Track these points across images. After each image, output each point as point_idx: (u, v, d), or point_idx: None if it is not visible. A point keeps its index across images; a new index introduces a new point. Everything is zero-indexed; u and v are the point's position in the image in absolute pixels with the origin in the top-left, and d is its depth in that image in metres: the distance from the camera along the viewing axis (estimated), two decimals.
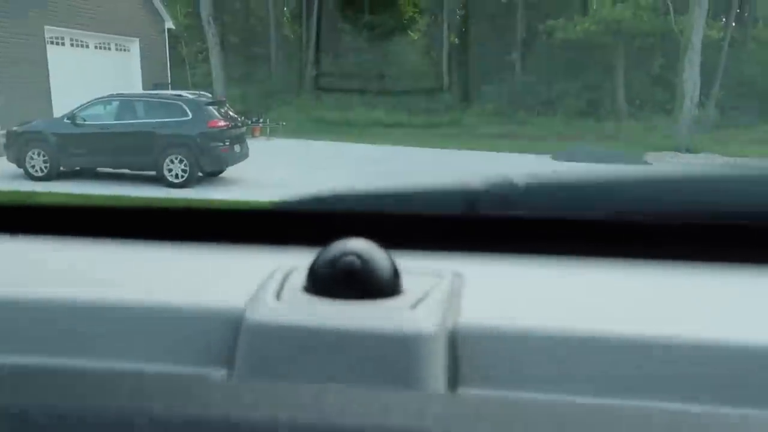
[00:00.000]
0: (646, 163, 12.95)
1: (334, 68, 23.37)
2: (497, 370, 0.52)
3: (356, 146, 14.30)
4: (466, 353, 0.52)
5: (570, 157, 12.46)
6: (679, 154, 14.46)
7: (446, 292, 0.56)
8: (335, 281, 0.55)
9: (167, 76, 18.81)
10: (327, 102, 20.13)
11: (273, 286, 0.57)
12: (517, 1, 23.58)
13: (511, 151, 13.80)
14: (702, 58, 16.06)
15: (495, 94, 20.89)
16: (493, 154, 13.50)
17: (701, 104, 16.97)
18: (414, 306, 0.54)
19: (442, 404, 0.47)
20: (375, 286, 0.55)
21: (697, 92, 16.21)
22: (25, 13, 13.56)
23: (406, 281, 0.57)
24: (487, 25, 27.32)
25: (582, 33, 19.59)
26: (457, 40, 27.72)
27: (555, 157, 12.79)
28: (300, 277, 0.58)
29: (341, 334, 0.51)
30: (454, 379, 0.52)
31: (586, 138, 15.86)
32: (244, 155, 10.40)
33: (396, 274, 0.56)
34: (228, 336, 0.54)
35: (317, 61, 23.88)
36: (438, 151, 13.75)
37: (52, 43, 14.61)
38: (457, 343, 0.52)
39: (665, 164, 13.06)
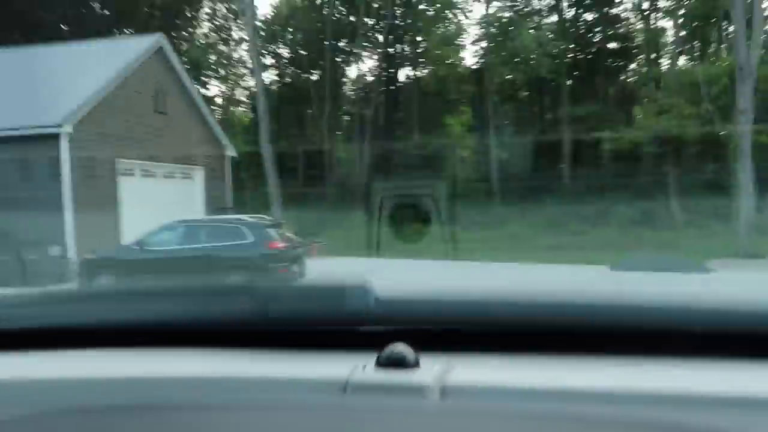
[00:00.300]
0: (709, 270, 12.58)
1: (388, 186, 24.09)
2: None
3: (411, 262, 14.43)
4: None
5: (629, 267, 12.21)
6: (741, 259, 14.03)
7: None
8: None
9: (229, 200, 19.71)
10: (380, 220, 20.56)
11: None
12: (562, 115, 24.24)
13: (567, 262, 13.66)
14: (755, 162, 15.95)
15: (547, 206, 21.03)
16: (549, 266, 13.38)
17: (758, 208, 16.64)
18: None
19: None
20: None
21: (754, 196, 15.95)
22: (102, 148, 14.69)
23: None
24: (534, 139, 28.01)
25: (628, 143, 19.82)
26: (505, 155, 28.41)
27: (614, 268, 12.56)
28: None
29: None
30: None
31: (644, 248, 15.62)
32: (301, 275, 10.63)
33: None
34: None
35: (370, 181, 24.71)
36: (496, 265, 13.74)
37: (123, 174, 15.66)
38: None
39: (729, 272, 12.66)
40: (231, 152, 20.27)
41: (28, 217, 13.27)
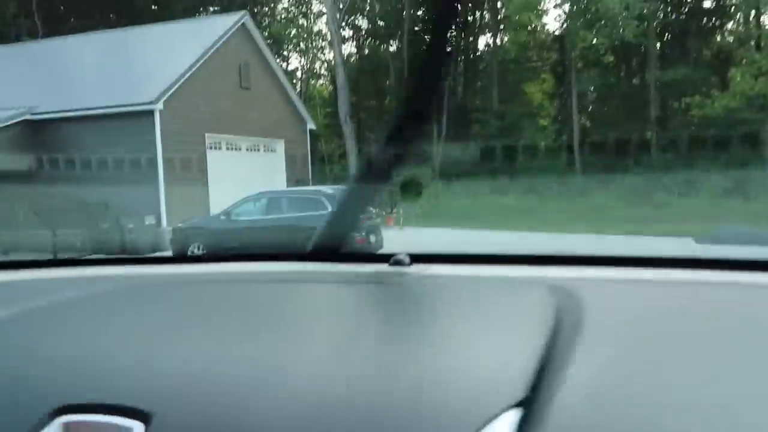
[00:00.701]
0: None
1: (465, 156, 23.97)
2: None
3: (487, 233, 14.41)
4: None
5: (715, 240, 11.71)
6: None
7: None
8: None
9: (308, 172, 20.25)
10: (457, 190, 20.58)
11: None
12: (649, 80, 23.17)
13: (651, 234, 13.25)
14: None
15: (631, 176, 20.31)
16: (631, 237, 13.03)
17: None
18: None
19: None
20: None
21: None
22: (191, 123, 15.44)
23: None
24: (619, 106, 26.95)
25: (721, 109, 18.75)
26: (588, 123, 27.52)
27: (698, 241, 12.08)
28: None
29: None
30: None
31: (733, 219, 14.90)
32: (378, 245, 10.87)
33: None
34: None
35: (448, 150, 24.65)
36: (575, 236, 13.50)
37: (211, 148, 16.40)
38: None
39: None
40: (311, 125, 20.74)
41: (125, 188, 14.24)
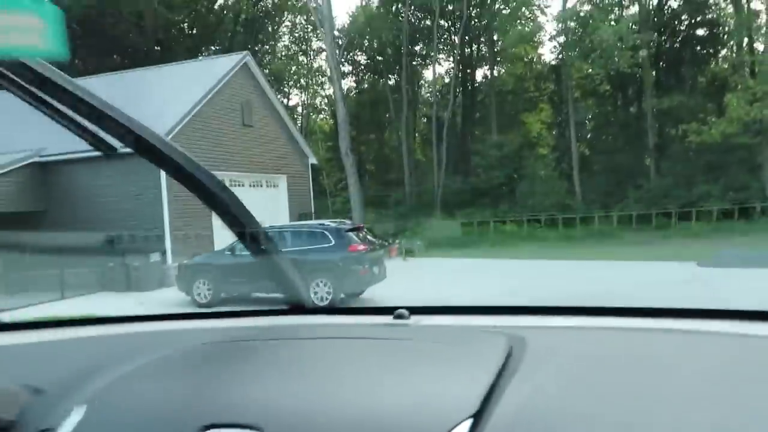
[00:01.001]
0: None
1: (466, 187, 24.17)
2: None
3: (490, 261, 14.50)
4: None
5: (717, 263, 11.76)
6: None
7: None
8: None
9: (311, 205, 20.45)
10: (460, 220, 20.73)
11: None
12: (646, 108, 23.46)
13: (653, 259, 13.31)
14: None
15: (631, 201, 20.47)
16: (633, 263, 13.09)
17: None
18: None
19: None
20: None
21: None
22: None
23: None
24: (617, 134, 27.24)
25: (718, 135, 18.96)
26: (587, 151, 27.77)
27: (701, 264, 12.13)
28: None
29: None
30: None
31: (734, 242, 14.98)
32: (382, 276, 10.96)
33: None
34: None
35: (449, 181, 24.87)
36: (575, 263, 13.56)
37: None
38: None
39: None
40: (312, 159, 21.00)
41: (131, 227, 14.42)
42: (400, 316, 1.41)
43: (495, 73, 30.41)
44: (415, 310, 1.44)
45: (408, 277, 12.58)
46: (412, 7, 28.49)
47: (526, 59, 31.16)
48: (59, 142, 15.29)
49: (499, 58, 30.57)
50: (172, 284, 12.06)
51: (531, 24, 27.94)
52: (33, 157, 15.10)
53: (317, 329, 1.44)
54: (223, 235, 14.67)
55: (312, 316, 1.59)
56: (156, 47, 30.00)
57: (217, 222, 15.85)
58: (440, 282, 11.85)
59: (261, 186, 18.70)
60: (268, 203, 18.27)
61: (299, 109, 35.77)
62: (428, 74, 32.85)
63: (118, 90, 17.28)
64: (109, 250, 13.30)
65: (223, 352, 1.27)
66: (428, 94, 33.29)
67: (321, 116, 36.74)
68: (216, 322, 1.63)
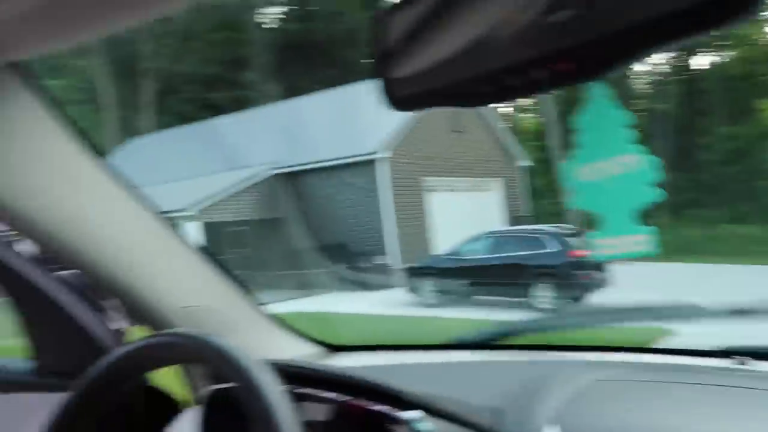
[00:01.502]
0: None
1: (691, 185, 22.28)
2: None
3: (724, 267, 13.28)
4: None
5: None
6: None
7: None
8: None
9: (525, 208, 20.35)
10: (689, 221, 19.20)
11: None
12: None
13: None
14: None
15: None
16: None
17: None
18: None
19: None
20: None
21: None
22: (410, 169, 16.57)
23: None
24: None
25: None
26: None
27: None
28: None
29: None
30: None
31: None
32: (605, 281, 10.61)
33: None
34: None
35: (670, 179, 23.12)
36: None
37: (429, 190, 17.34)
38: None
39: None
40: (523, 161, 20.89)
41: (355, 231, 15.69)
42: (741, 362, 1.18)
43: (721, 58, 27.62)
44: (742, 352, 1.20)
45: (632, 283, 11.92)
46: None
47: (757, 41, 27.83)
48: (290, 155, 17.17)
49: (726, 42, 27.70)
50: (395, 285, 12.83)
51: None
52: (268, 171, 17.10)
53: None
54: (440, 240, 15.32)
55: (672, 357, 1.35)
56: (361, 60, 31.87)
57: (434, 224, 16.54)
58: (665, 288, 11.09)
59: (474, 190, 19.07)
60: (482, 207, 18.56)
61: (506, 110, 35.63)
62: (642, 64, 30.80)
63: (338, 105, 18.74)
64: (340, 253, 14.60)
65: (626, 391, 1.13)
66: (644, 86, 31.25)
67: (529, 115, 36.22)
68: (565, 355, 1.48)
